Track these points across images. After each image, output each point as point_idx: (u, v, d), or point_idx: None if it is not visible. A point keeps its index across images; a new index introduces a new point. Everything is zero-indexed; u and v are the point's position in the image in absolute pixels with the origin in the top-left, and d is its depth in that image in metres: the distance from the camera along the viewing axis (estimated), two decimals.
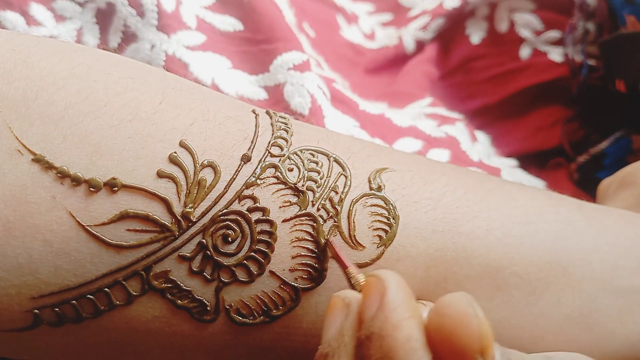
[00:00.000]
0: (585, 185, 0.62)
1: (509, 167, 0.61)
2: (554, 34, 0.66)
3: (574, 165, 0.65)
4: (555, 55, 0.66)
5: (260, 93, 0.50)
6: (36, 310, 0.33)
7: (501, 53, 0.67)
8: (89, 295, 0.33)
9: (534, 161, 0.66)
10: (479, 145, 0.60)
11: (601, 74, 0.63)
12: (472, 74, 0.68)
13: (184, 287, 0.34)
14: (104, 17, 0.50)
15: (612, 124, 0.63)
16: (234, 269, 0.34)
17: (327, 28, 0.64)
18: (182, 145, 0.34)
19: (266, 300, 0.35)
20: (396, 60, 0.67)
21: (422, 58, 0.68)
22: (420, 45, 0.68)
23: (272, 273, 0.35)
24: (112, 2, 0.49)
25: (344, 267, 0.34)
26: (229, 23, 0.52)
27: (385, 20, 0.71)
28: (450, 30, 0.68)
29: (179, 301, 0.34)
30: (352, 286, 0.34)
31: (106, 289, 0.33)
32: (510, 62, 0.67)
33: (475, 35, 0.68)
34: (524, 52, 0.66)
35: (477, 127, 0.64)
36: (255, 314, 0.35)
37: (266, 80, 0.50)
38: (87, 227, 0.33)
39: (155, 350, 0.36)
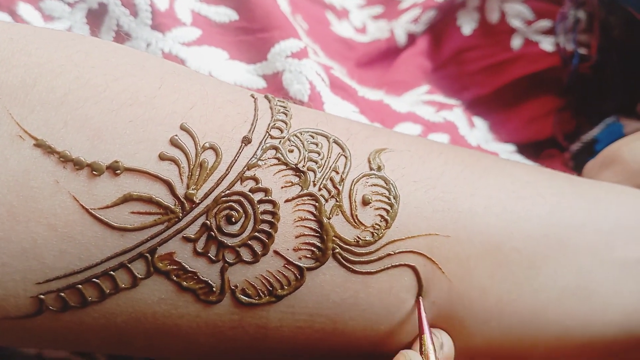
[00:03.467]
0: (580, 173, 0.63)
1: (507, 153, 0.61)
2: (545, 23, 0.66)
3: (567, 154, 0.65)
4: (547, 44, 0.66)
5: (259, 82, 0.50)
6: (41, 296, 0.33)
7: (493, 44, 0.67)
8: (94, 279, 0.33)
9: (529, 151, 0.66)
10: (477, 131, 0.61)
11: (592, 63, 0.64)
12: (465, 65, 0.68)
13: (189, 269, 0.34)
14: (95, 17, 0.50)
15: (603, 113, 0.64)
16: (238, 249, 0.35)
17: (317, 23, 0.64)
18: (183, 128, 0.34)
19: (271, 280, 0.35)
20: (388, 53, 0.67)
21: (414, 51, 0.68)
22: (411, 38, 0.68)
23: (276, 253, 0.35)
24: (104, 2, 0.49)
25: (421, 331, 0.37)
26: (224, 14, 0.52)
27: (376, 13, 0.71)
28: (442, 22, 0.68)
29: (185, 283, 0.34)
30: (421, 350, 0.36)
31: (111, 272, 0.33)
32: (502, 53, 0.67)
33: (467, 26, 0.68)
34: (516, 42, 0.66)
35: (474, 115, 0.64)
36: (261, 294, 0.35)
37: (264, 68, 0.51)
38: (91, 211, 0.33)
39: (161, 333, 0.36)
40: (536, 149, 0.66)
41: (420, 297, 0.37)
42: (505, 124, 0.66)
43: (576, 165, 0.64)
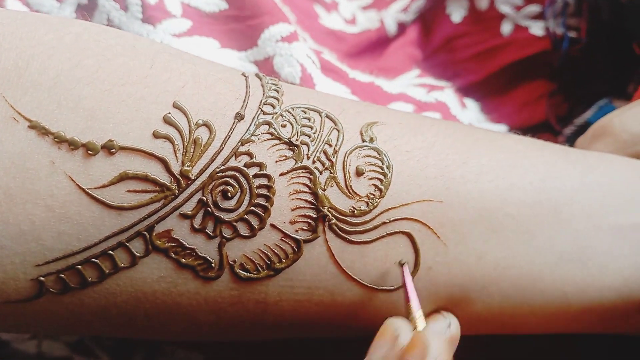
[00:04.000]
0: None
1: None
2: (534, 8, 0.66)
3: (561, 138, 0.65)
4: (537, 29, 0.66)
5: (251, 68, 0.51)
6: (41, 278, 0.33)
7: (483, 30, 0.67)
8: (93, 259, 0.34)
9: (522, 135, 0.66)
10: (469, 112, 0.61)
11: (582, 46, 0.64)
12: (455, 52, 0.68)
13: (187, 245, 0.34)
14: (85, 12, 0.50)
15: (595, 95, 0.64)
16: (235, 224, 0.35)
17: (306, 17, 0.64)
18: (176, 106, 0.35)
19: (269, 253, 0.35)
20: (378, 43, 0.67)
21: (404, 40, 0.68)
22: (402, 28, 0.69)
23: (273, 226, 0.35)
24: None
25: (406, 299, 0.37)
26: (214, 3, 0.52)
27: (365, 4, 0.71)
28: (431, 10, 0.69)
29: (183, 260, 0.35)
30: (407, 315, 0.37)
31: (110, 252, 0.34)
32: (492, 39, 0.67)
33: (456, 14, 0.68)
34: (505, 28, 0.67)
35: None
36: (260, 268, 0.36)
37: (255, 54, 0.51)
38: (88, 190, 0.33)
39: (162, 312, 0.36)
40: (529, 134, 0.67)
41: (406, 263, 0.37)
42: (497, 110, 0.66)
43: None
